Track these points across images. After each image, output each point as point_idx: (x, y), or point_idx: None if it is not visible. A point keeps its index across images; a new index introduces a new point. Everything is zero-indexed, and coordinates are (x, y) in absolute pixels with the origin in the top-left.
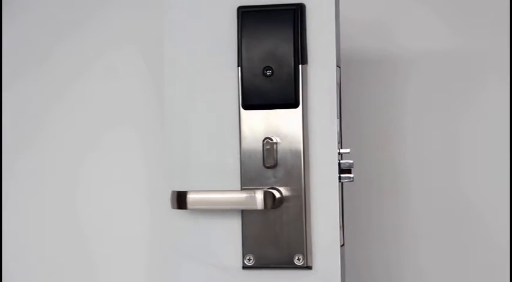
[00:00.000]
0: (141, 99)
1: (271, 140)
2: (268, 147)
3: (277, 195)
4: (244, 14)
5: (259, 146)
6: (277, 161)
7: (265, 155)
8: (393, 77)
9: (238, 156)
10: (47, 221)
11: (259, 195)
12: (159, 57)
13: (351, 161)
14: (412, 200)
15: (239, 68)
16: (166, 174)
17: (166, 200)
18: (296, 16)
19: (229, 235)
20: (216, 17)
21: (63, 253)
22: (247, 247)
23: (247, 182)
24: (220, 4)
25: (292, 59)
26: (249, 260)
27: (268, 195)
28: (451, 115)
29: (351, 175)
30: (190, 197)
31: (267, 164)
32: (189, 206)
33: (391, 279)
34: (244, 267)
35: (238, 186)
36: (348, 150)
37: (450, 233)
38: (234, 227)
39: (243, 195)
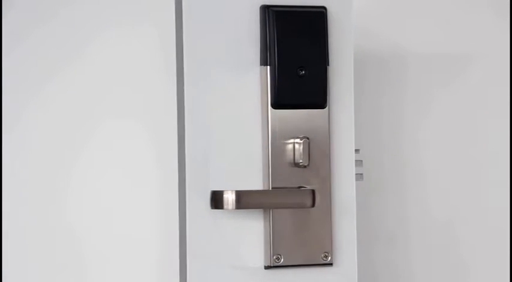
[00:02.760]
0: (153, 91)
1: (308, 138)
2: (305, 146)
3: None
4: (277, 14)
5: (287, 144)
6: None
7: (302, 154)
8: (396, 76)
9: (267, 155)
10: (48, 221)
11: (309, 194)
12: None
13: (361, 160)
14: (417, 199)
15: (267, 66)
16: (191, 174)
17: (194, 199)
18: (326, 18)
19: (254, 235)
20: (236, 16)
21: (69, 255)
22: (276, 247)
23: (276, 182)
24: (241, 2)
25: (325, 60)
26: (277, 259)
27: (311, 194)
28: (454, 115)
29: (361, 173)
30: (240, 197)
31: (305, 162)
32: (242, 206)
33: (396, 278)
34: (268, 267)
35: (266, 185)
36: (358, 148)
37: (456, 232)
38: (258, 226)
39: (292, 194)
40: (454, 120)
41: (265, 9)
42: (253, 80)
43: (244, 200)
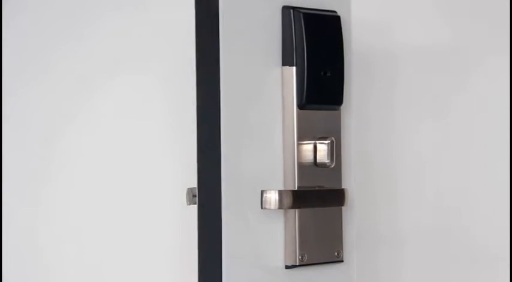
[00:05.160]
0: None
1: (333, 139)
2: (332, 146)
3: None
4: (304, 15)
5: (307, 145)
6: None
7: (329, 154)
8: (391, 73)
9: (292, 155)
10: (59, 220)
11: (342, 193)
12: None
13: None
14: (412, 198)
15: (293, 67)
16: (225, 176)
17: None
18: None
19: (277, 234)
20: (259, 16)
21: (82, 255)
22: (301, 246)
23: (299, 182)
24: (263, 3)
25: (343, 61)
26: (302, 258)
27: (344, 193)
28: (450, 113)
29: None
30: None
31: (331, 163)
32: (285, 205)
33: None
34: (293, 265)
35: (291, 185)
36: None
37: (450, 233)
38: (280, 226)
39: (329, 193)
40: (451, 120)
41: (290, 11)
42: (276, 81)
43: (287, 200)
